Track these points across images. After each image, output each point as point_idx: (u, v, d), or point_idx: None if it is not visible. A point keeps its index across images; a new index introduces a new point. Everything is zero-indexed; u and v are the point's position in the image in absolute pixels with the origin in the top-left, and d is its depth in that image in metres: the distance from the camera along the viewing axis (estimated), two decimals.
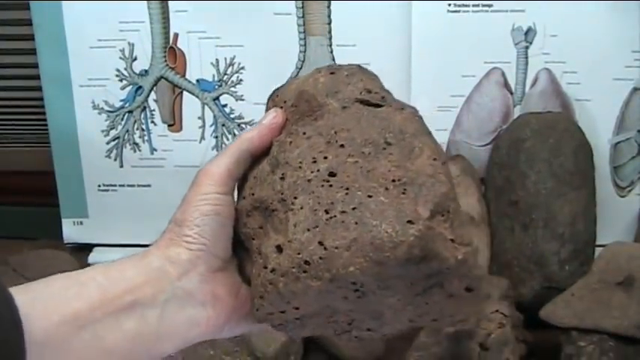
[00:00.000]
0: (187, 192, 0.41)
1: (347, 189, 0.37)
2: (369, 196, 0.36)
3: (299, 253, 0.36)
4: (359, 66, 0.43)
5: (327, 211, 0.36)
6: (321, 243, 0.35)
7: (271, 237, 0.38)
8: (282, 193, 0.38)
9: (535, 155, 0.72)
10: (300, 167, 0.38)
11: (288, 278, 0.36)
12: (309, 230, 0.36)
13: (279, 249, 0.37)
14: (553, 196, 0.71)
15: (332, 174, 0.37)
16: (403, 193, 0.36)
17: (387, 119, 0.39)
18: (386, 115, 0.40)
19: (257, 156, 0.41)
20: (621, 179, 0.81)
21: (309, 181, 0.37)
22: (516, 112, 0.79)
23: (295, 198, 0.37)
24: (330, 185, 0.37)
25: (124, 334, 0.37)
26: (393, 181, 0.37)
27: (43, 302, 0.35)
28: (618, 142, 0.80)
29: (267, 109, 0.44)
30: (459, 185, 0.77)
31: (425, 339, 0.60)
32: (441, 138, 0.80)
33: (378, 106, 0.40)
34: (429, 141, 0.39)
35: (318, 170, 0.38)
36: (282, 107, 0.43)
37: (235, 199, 0.42)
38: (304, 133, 0.40)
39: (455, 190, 0.39)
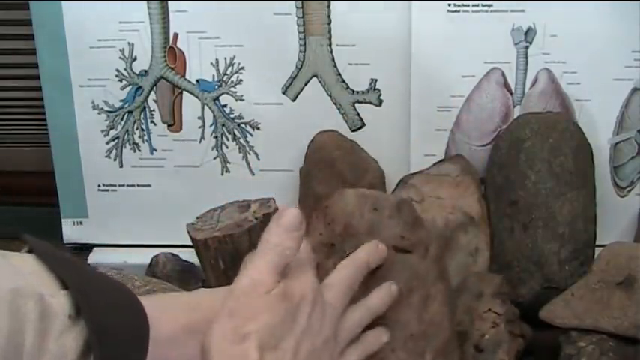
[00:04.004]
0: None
1: None
2: (392, 350, 0.47)
3: None
4: (398, 203, 0.52)
5: None
6: None
7: None
8: None
9: (535, 155, 0.72)
10: None
11: None
12: None
13: None
14: (553, 196, 0.71)
15: None
16: (416, 345, 0.48)
17: (414, 266, 0.50)
18: (414, 262, 0.50)
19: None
20: (621, 179, 0.81)
21: None
22: (516, 112, 0.79)
23: None
24: None
25: None
26: (411, 335, 0.48)
27: (171, 310, 0.46)
28: (618, 142, 0.80)
29: (312, 215, 0.53)
30: (459, 185, 0.77)
31: None
32: (441, 138, 0.80)
33: (408, 251, 0.50)
34: (441, 286, 0.51)
35: None
36: (329, 224, 0.51)
37: None
38: None
39: (454, 329, 0.52)
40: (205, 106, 0.82)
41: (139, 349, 0.42)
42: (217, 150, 0.83)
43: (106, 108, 0.83)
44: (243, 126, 0.83)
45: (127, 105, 0.83)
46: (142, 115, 0.83)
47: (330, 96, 0.80)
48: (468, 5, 0.76)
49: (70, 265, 0.42)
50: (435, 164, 0.79)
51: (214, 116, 0.82)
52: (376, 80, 0.79)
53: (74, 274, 0.41)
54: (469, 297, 0.65)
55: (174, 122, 0.83)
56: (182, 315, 0.46)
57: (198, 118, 0.83)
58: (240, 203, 0.69)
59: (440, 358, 0.48)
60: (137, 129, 0.83)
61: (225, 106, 0.82)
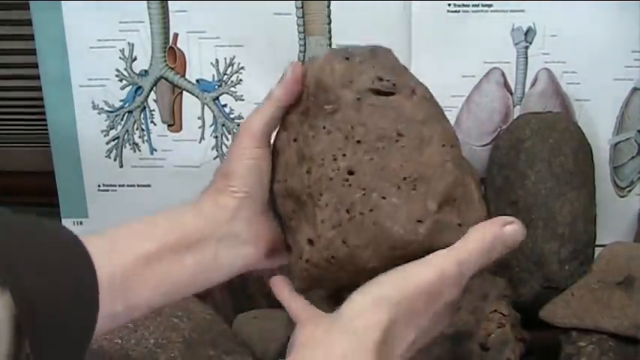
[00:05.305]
0: (230, 147, 0.48)
1: (364, 189, 0.41)
2: (383, 198, 0.40)
3: (327, 249, 0.41)
4: (371, 49, 0.46)
5: (347, 211, 0.41)
6: (344, 242, 0.41)
7: (304, 228, 0.43)
8: (309, 188, 0.43)
9: (535, 155, 0.72)
10: (322, 164, 0.42)
11: (319, 268, 0.42)
12: (333, 228, 0.41)
13: (311, 242, 0.42)
14: (553, 196, 0.71)
15: (350, 172, 0.42)
16: (414, 190, 0.41)
17: (398, 108, 0.43)
18: (397, 104, 0.43)
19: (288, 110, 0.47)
20: (621, 179, 0.81)
21: (330, 179, 0.42)
22: (516, 112, 0.79)
23: (321, 195, 0.42)
24: (350, 185, 0.41)
25: (185, 269, 0.44)
26: (404, 179, 0.41)
27: (120, 244, 0.43)
28: (618, 142, 0.80)
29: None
30: None
31: None
32: None
33: (390, 93, 0.44)
34: (437, 127, 0.44)
35: (339, 169, 0.42)
36: (305, 88, 0.46)
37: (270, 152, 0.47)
38: (324, 127, 0.43)
39: (462, 173, 0.43)
40: (205, 106, 0.82)
41: (86, 303, 0.39)
42: (217, 150, 0.83)
43: (106, 108, 0.83)
44: None
45: (127, 105, 0.83)
46: (142, 115, 0.83)
47: None
48: (468, 5, 0.76)
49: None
50: None
51: (214, 116, 0.82)
52: None
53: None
54: (474, 298, 0.65)
55: (174, 122, 0.83)
56: (135, 245, 0.44)
57: (198, 118, 0.83)
58: None
59: (448, 206, 0.41)
60: (137, 129, 0.83)
61: (225, 106, 0.82)
